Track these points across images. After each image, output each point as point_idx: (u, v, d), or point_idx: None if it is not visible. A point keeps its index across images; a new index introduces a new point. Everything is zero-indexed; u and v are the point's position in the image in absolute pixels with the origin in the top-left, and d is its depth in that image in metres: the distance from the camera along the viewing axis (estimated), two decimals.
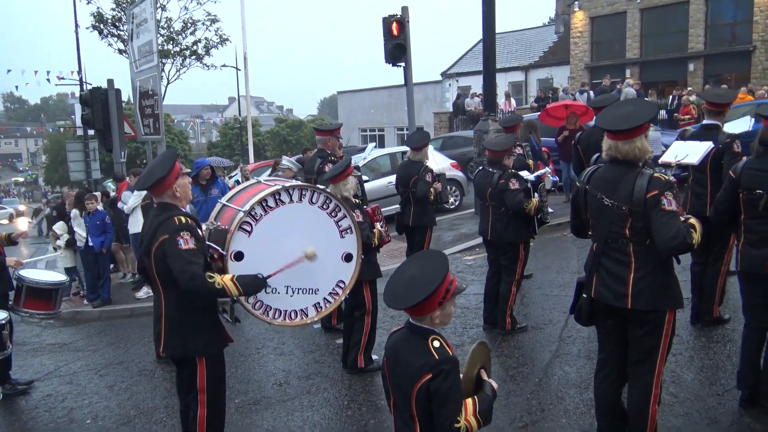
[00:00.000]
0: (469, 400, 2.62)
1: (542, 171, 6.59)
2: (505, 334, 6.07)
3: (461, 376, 2.67)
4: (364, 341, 5.50)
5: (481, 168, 6.25)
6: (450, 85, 35.09)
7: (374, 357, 5.69)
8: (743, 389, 4.28)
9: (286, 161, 8.43)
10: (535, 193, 5.96)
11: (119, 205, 10.12)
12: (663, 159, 5.19)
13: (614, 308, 3.46)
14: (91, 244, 9.38)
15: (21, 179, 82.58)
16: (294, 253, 3.87)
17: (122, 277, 11.11)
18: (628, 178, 3.35)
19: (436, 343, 2.60)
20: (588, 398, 4.46)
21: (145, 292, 9.50)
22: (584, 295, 3.63)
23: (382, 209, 6.04)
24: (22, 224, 7.21)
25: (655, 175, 3.32)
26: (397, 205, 7.78)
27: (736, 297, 6.12)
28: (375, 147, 15.98)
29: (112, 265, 10.96)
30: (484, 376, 2.72)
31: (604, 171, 3.53)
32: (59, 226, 10.62)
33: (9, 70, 39.01)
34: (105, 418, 5.32)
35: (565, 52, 30.63)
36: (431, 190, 6.99)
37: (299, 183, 4.22)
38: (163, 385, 5.95)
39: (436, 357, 2.56)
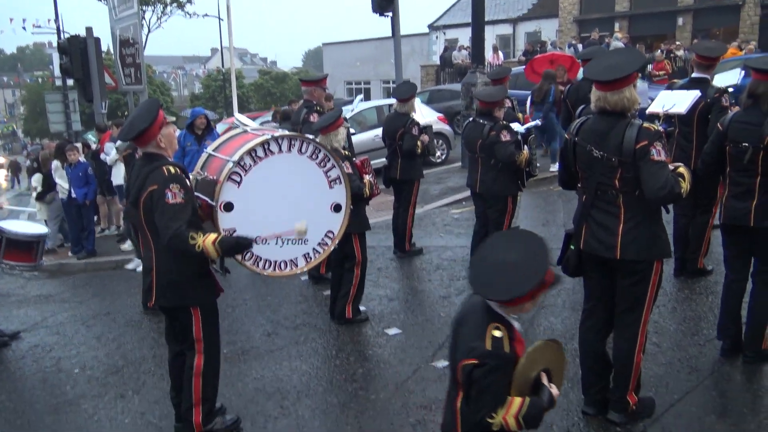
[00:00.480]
0: (517, 400, 2.37)
1: (532, 123, 6.56)
2: None
3: (520, 367, 2.40)
4: (353, 293, 5.53)
5: (471, 119, 6.19)
6: (437, 37, 34.54)
7: (362, 308, 5.74)
8: (724, 339, 4.38)
9: (238, 119, 8.09)
10: (525, 146, 5.94)
11: (102, 156, 9.96)
12: (650, 109, 5.17)
13: (602, 259, 3.49)
14: (74, 195, 9.25)
15: None
16: (284, 204, 3.84)
17: (100, 231, 10.99)
18: (618, 129, 3.33)
19: (497, 333, 2.37)
20: (573, 348, 4.52)
21: (129, 244, 9.43)
22: (572, 247, 3.64)
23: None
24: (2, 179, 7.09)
25: (645, 125, 3.31)
26: (384, 159, 7.73)
27: (720, 250, 6.22)
28: (362, 100, 15.79)
29: (96, 217, 10.85)
30: (544, 380, 2.42)
31: (593, 122, 3.50)
32: (36, 179, 10.46)
33: None
34: (93, 368, 5.33)
35: (554, 5, 30.17)
36: (418, 143, 6.94)
37: (288, 133, 4.15)
38: (151, 336, 5.97)
39: (488, 348, 2.35)
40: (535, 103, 10.69)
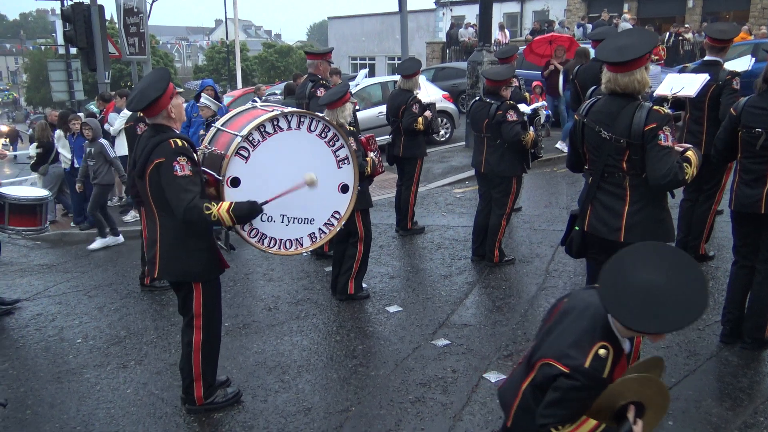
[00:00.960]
0: (591, 423, 2.16)
1: (538, 104, 6.52)
2: (493, 266, 6.14)
3: (609, 391, 2.17)
4: (356, 268, 5.54)
5: (477, 98, 6.14)
6: (443, 14, 34.17)
7: (364, 285, 5.75)
8: (725, 325, 4.39)
9: (205, 99, 7.87)
10: (531, 127, 5.91)
11: (105, 126, 9.92)
12: (658, 92, 5.12)
13: (606, 241, 3.49)
14: (77, 165, 9.22)
15: None
16: (292, 180, 3.82)
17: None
18: (627, 111, 3.31)
19: (602, 352, 2.12)
20: None
21: (132, 215, 9.44)
22: (576, 228, 3.64)
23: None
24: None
25: (655, 108, 3.29)
26: (387, 136, 7.70)
27: (721, 235, 6.23)
28: (367, 75, 15.63)
29: None
30: (630, 414, 2.14)
31: (602, 104, 3.47)
32: (32, 148, 10.41)
33: None
34: (95, 338, 5.37)
35: None
36: (419, 120, 6.90)
37: (298, 109, 4.11)
38: (153, 307, 6.00)
39: (586, 365, 2.12)
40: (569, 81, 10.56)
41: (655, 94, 5.29)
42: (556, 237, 6.79)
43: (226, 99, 16.27)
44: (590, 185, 3.56)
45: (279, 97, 11.35)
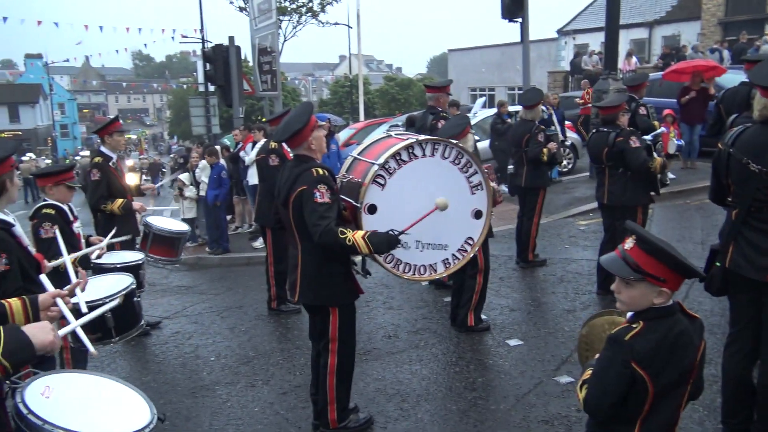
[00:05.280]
0: None
1: (659, 131, 6.31)
2: None
3: None
4: (475, 300, 5.51)
5: (594, 130, 6.00)
6: (566, 42, 33.55)
7: (483, 317, 5.69)
8: None
9: None
10: (653, 153, 5.69)
11: (241, 154, 10.56)
12: None
13: (750, 281, 3.24)
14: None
15: (134, 136, 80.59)
16: (425, 206, 3.87)
17: (234, 229, 11.64)
18: None
19: None
20: (709, 374, 4.24)
21: (260, 242, 9.94)
22: (717, 264, 3.41)
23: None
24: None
25: None
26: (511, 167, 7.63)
27: None
28: (484, 104, 15.55)
29: (230, 217, 11.52)
30: None
31: (752, 133, 3.24)
32: (185, 176, 11.27)
33: (140, 29, 41.35)
34: (227, 357, 5.68)
35: (696, 6, 28.30)
36: (543, 150, 6.80)
37: (432, 137, 4.18)
38: (279, 330, 6.27)
39: None
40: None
41: None
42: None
43: (348, 131, 16.84)
44: (735, 219, 3.33)
45: (401, 128, 11.59)
